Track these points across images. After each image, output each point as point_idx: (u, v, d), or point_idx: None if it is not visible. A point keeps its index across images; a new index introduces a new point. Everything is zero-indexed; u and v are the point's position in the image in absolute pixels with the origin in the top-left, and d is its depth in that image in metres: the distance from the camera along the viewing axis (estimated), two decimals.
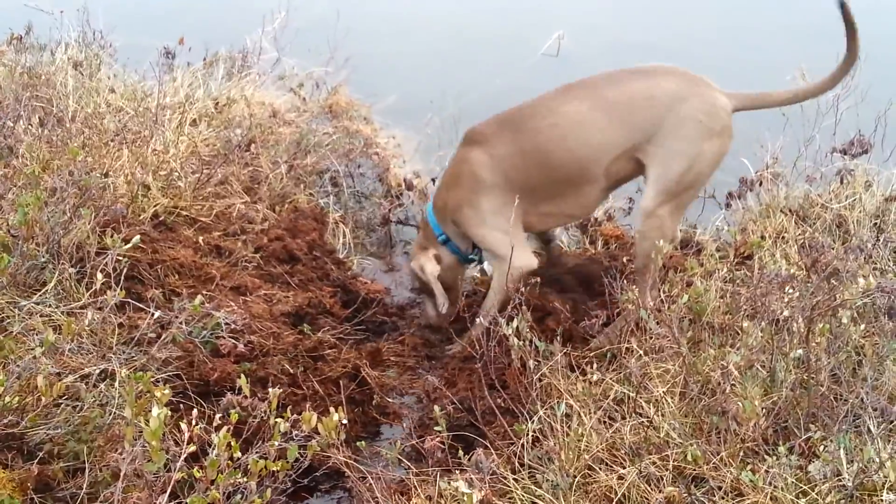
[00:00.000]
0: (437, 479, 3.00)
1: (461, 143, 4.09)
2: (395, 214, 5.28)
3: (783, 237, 4.47)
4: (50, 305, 3.32)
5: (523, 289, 3.72)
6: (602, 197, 4.06)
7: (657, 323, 3.51)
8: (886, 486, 2.54)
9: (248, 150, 5.17)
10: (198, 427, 2.52)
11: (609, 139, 3.80)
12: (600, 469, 2.96)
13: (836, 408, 2.92)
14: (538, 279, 4.43)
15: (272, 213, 4.75)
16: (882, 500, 2.49)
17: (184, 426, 2.43)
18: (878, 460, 2.60)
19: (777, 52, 6.49)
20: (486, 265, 4.48)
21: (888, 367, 3.07)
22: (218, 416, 2.64)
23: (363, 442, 3.28)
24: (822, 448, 2.74)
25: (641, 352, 3.45)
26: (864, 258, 3.86)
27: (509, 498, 2.92)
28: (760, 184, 4.94)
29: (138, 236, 3.47)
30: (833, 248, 4.03)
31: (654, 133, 3.76)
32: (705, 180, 3.90)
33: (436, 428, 3.13)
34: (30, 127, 4.28)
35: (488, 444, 3.24)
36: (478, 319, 3.71)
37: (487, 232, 3.97)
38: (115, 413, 2.91)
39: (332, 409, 2.78)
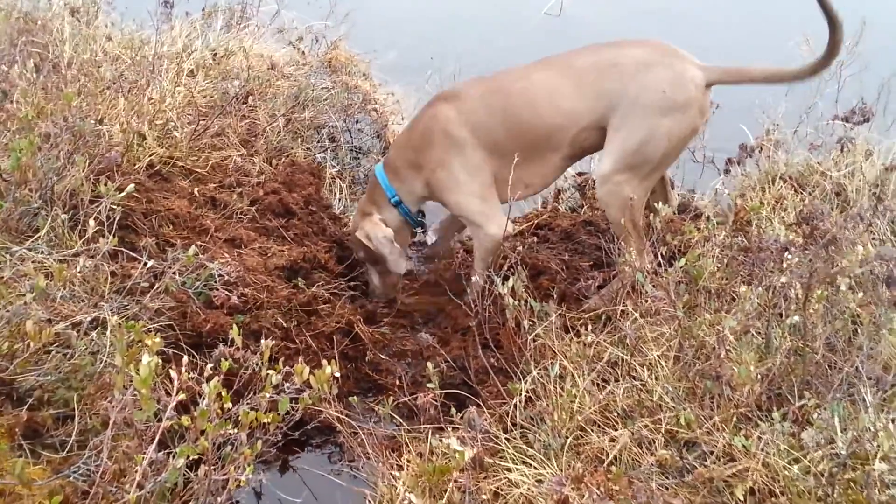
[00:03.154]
0: (429, 436, 2.99)
1: (428, 102, 4.00)
2: None
3: (782, 204, 4.42)
4: (42, 252, 3.28)
5: (520, 248, 3.70)
6: (562, 167, 3.97)
7: (653, 286, 3.48)
8: (879, 455, 2.52)
9: (245, 103, 5.10)
10: (188, 376, 2.48)
11: (577, 107, 3.75)
12: (592, 431, 2.95)
13: (831, 376, 2.89)
14: (534, 238, 4.41)
15: (268, 167, 4.69)
16: (875, 469, 2.46)
17: (174, 374, 2.40)
18: (871, 429, 2.57)
19: (785, 19, 6.39)
20: (429, 235, 4.37)
21: (884, 336, 3.04)
22: (209, 366, 2.61)
23: (355, 397, 3.25)
24: (815, 416, 2.71)
25: (637, 314, 3.42)
26: (863, 227, 3.82)
27: (501, 457, 2.91)
28: (760, 150, 4.88)
29: (133, 185, 3.42)
30: (832, 216, 3.99)
31: (618, 102, 3.68)
32: (670, 156, 3.79)
33: (428, 385, 3.11)
34: (25, 72, 4.20)
35: (481, 403, 3.23)
36: (473, 278, 3.67)
37: (462, 198, 3.88)
38: (105, 361, 2.87)
39: (324, 363, 2.75)
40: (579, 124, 3.77)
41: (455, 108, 3.84)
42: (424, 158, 3.90)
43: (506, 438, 2.97)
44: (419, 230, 4.26)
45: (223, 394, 2.48)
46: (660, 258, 3.39)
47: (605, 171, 3.72)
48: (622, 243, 3.81)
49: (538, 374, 3.14)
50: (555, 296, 3.72)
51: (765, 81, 3.79)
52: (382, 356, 3.66)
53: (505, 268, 3.70)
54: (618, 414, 3.00)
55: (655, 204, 3.95)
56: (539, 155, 3.84)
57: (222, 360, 2.69)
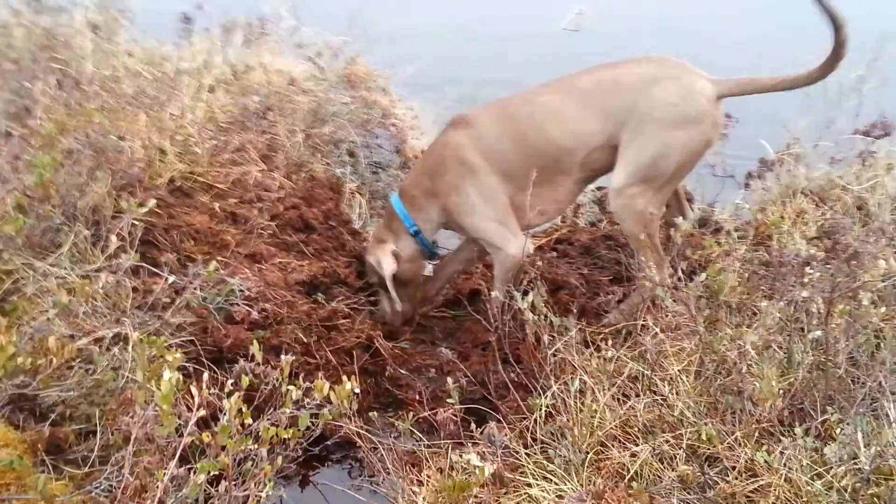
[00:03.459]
0: (449, 451, 2.99)
1: (443, 129, 4.02)
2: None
3: (803, 218, 4.40)
4: (65, 268, 3.30)
5: (539, 263, 3.70)
6: (577, 191, 3.98)
7: (674, 301, 3.47)
8: None
9: (265, 118, 5.12)
10: (208, 392, 2.49)
11: (584, 129, 3.75)
12: (613, 446, 2.94)
13: (854, 390, 2.88)
14: (554, 253, 4.41)
15: (288, 182, 4.70)
16: None
17: (194, 390, 2.41)
18: (895, 444, 2.55)
19: (802, 30, 6.37)
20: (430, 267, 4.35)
21: None
22: (230, 382, 2.62)
23: (375, 413, 3.25)
24: (838, 431, 2.69)
25: (657, 329, 3.41)
26: (886, 241, 3.79)
27: (521, 472, 2.90)
28: (780, 164, 4.86)
29: (154, 201, 3.44)
30: (853, 231, 3.97)
31: (627, 119, 3.68)
32: (684, 169, 3.77)
33: (448, 400, 3.11)
34: (47, 88, 4.24)
35: (501, 418, 3.22)
36: (493, 293, 3.67)
37: (480, 221, 3.89)
38: (127, 377, 2.89)
39: (344, 378, 2.75)
40: (589, 145, 3.77)
41: (467, 135, 3.85)
42: (439, 185, 3.91)
43: (526, 454, 2.96)
44: (432, 261, 4.24)
45: (243, 409, 2.49)
46: (680, 273, 3.38)
47: (619, 185, 3.72)
48: (642, 258, 3.80)
49: (558, 389, 3.13)
50: (574, 310, 3.73)
51: (775, 89, 3.77)
52: (402, 371, 3.66)
53: (524, 283, 3.70)
54: (638, 429, 2.98)
55: (675, 219, 3.95)
56: (551, 179, 3.83)
57: (242, 375, 2.71)
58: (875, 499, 2.51)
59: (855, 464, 2.60)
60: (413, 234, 4.01)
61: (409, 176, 4.18)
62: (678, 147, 3.65)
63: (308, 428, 2.67)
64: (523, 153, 3.80)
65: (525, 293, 3.28)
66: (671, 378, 3.17)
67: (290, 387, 2.68)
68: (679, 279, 3.37)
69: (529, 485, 2.84)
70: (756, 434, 2.82)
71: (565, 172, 3.84)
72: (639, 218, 3.68)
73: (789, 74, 3.73)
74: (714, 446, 2.80)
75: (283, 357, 2.80)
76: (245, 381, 2.65)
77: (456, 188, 3.87)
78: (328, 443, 3.15)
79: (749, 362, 3.02)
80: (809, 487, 2.60)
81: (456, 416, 3.12)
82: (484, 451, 2.92)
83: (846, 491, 2.55)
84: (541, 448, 3.00)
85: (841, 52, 3.56)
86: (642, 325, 3.51)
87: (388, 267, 3.93)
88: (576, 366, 3.27)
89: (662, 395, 3.10)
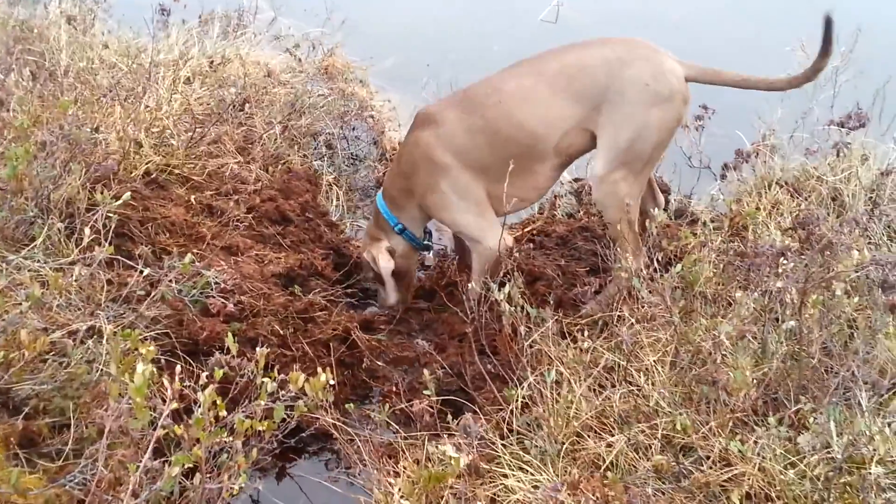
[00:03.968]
0: (426, 442, 2.99)
1: (410, 127, 4.01)
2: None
3: (778, 210, 4.43)
4: (38, 261, 3.27)
5: (516, 254, 3.71)
6: (554, 176, 3.96)
7: (649, 292, 3.48)
8: (875, 459, 2.52)
9: (241, 110, 5.10)
10: (182, 384, 2.48)
11: (556, 113, 3.73)
12: (589, 436, 2.95)
13: (827, 380, 2.90)
14: (531, 244, 4.41)
15: (265, 174, 4.69)
16: (871, 473, 2.46)
17: (167, 382, 2.39)
18: (867, 433, 2.57)
19: (780, 26, 6.41)
20: (429, 255, 4.36)
21: (880, 341, 3.05)
22: (204, 374, 2.61)
23: (352, 404, 3.25)
24: (811, 420, 2.71)
25: (633, 320, 3.43)
26: (859, 232, 3.82)
27: (497, 463, 2.91)
28: (756, 155, 4.89)
29: (129, 193, 3.40)
30: (828, 221, 4.00)
31: (600, 102, 3.68)
32: (660, 148, 3.79)
33: (425, 392, 3.11)
34: (21, 80, 4.21)
35: (477, 409, 3.22)
36: (470, 285, 3.67)
37: (457, 216, 3.89)
38: (102, 370, 2.87)
39: (319, 370, 2.75)
40: (561, 130, 3.75)
41: (434, 134, 3.83)
42: (414, 185, 3.92)
43: (502, 444, 2.97)
44: (426, 253, 4.25)
45: (218, 402, 2.48)
46: (656, 264, 3.39)
47: (601, 172, 3.72)
48: (618, 248, 3.81)
49: (535, 380, 3.13)
50: (551, 302, 3.73)
51: (737, 86, 3.82)
52: (379, 363, 3.66)
53: (501, 274, 3.70)
54: (614, 419, 3.00)
55: (651, 209, 3.97)
56: (527, 167, 3.81)
57: (217, 367, 2.70)
58: (848, 487, 2.54)
59: (828, 453, 2.62)
60: (399, 231, 4.03)
61: (387, 176, 4.20)
62: (654, 126, 3.67)
63: (283, 420, 2.66)
64: (495, 145, 3.77)
65: (502, 284, 3.28)
66: (647, 368, 3.19)
67: (266, 379, 2.67)
68: (655, 270, 3.38)
69: (505, 475, 2.85)
70: (730, 424, 2.84)
71: (541, 159, 3.82)
72: (621, 205, 3.68)
73: (753, 76, 3.79)
74: (689, 436, 2.82)
75: (257, 349, 2.78)
76: (219, 373, 2.64)
77: (430, 187, 3.87)
78: (304, 435, 3.14)
79: (723, 352, 3.04)
80: (783, 476, 2.63)
81: (432, 407, 3.12)
82: (460, 442, 2.93)
83: (819, 480, 2.57)
84: (517, 439, 3.01)
85: (818, 72, 3.71)
86: (618, 317, 3.53)
87: (384, 264, 3.99)
88: (552, 357, 3.28)
89: (638, 386, 3.12)
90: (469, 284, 3.71)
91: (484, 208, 3.86)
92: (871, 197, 4.34)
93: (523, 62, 3.87)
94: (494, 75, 3.89)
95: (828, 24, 3.52)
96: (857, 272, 3.25)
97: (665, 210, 4.23)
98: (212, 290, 3.46)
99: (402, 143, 4.10)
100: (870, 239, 3.97)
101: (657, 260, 3.40)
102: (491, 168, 3.79)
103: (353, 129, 5.50)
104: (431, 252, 4.28)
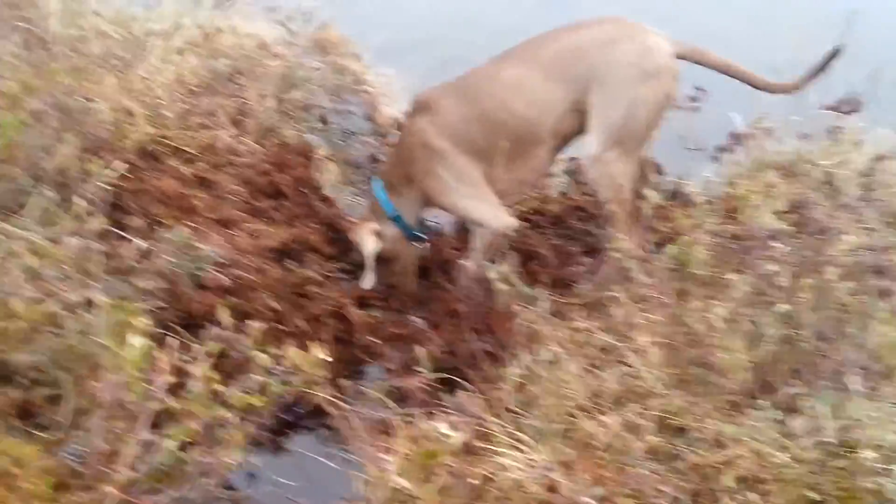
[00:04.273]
0: (420, 420, 2.99)
1: (408, 114, 4.04)
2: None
3: (772, 193, 4.43)
4: (31, 230, 3.25)
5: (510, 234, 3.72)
6: (552, 158, 4.01)
7: (644, 273, 3.48)
8: (867, 443, 2.55)
9: (235, 82, 5.05)
10: (177, 358, 2.48)
11: (550, 98, 3.78)
12: (583, 416, 2.96)
13: (820, 364, 2.91)
14: (525, 223, 4.41)
15: (259, 147, 4.66)
16: (863, 457, 2.49)
17: (158, 355, 2.39)
18: (860, 418, 2.60)
19: (778, 19, 6.40)
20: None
21: (873, 325, 3.06)
22: (203, 349, 2.60)
23: (346, 381, 3.24)
24: (804, 404, 2.73)
25: (627, 300, 3.43)
26: (852, 216, 3.84)
27: (492, 441, 2.91)
28: (751, 138, 4.89)
29: (124, 164, 3.39)
30: (821, 206, 4.00)
31: (591, 83, 3.74)
32: (652, 126, 3.84)
33: (418, 369, 3.11)
34: (12, 48, 4.16)
35: (472, 388, 3.22)
36: (467, 263, 3.68)
37: (457, 199, 3.91)
38: (97, 342, 2.85)
39: (312, 346, 2.75)
40: (555, 113, 3.79)
41: (430, 122, 3.85)
42: (413, 172, 3.93)
43: (497, 423, 2.97)
44: (419, 244, 4.23)
45: (213, 376, 2.48)
46: (650, 245, 3.40)
47: (595, 152, 3.76)
48: (612, 227, 3.83)
49: (529, 359, 3.14)
50: (546, 281, 3.73)
51: (720, 71, 3.95)
52: (373, 339, 3.65)
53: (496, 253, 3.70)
54: (609, 400, 3.01)
55: (645, 190, 3.97)
56: (524, 151, 3.85)
57: (211, 342, 2.69)
58: (840, 471, 2.56)
59: (821, 436, 2.64)
60: (393, 219, 4.03)
61: (386, 162, 4.23)
62: (644, 103, 3.72)
63: (279, 395, 2.66)
64: (490, 131, 3.81)
65: (496, 263, 3.28)
66: (641, 349, 3.20)
67: (261, 353, 2.67)
68: (649, 251, 3.39)
69: (500, 453, 2.86)
70: (724, 406, 2.86)
71: (537, 143, 3.86)
72: (615, 185, 3.71)
73: (738, 65, 3.95)
74: (682, 417, 2.83)
75: (251, 323, 2.78)
76: (215, 347, 2.64)
77: (429, 173, 3.88)
78: (299, 410, 3.15)
79: (717, 335, 3.05)
80: (776, 459, 2.64)
81: (427, 385, 3.12)
82: (454, 420, 2.93)
83: (812, 463, 2.59)
84: (512, 418, 3.01)
85: (802, 87, 3.96)
86: (612, 297, 3.53)
87: (369, 246, 3.96)
88: (546, 336, 3.28)
89: (632, 367, 3.13)
90: (463, 262, 3.71)
91: (483, 191, 3.87)
92: (865, 181, 4.35)
93: (518, 48, 3.92)
94: (490, 63, 3.94)
95: (831, 56, 3.58)
96: (850, 256, 3.26)
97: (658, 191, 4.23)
98: (207, 263, 3.44)
99: (401, 131, 4.13)
100: (863, 223, 3.98)
101: (651, 242, 3.41)
102: (488, 153, 3.81)
103: (348, 103, 5.47)
104: (424, 243, 4.26)
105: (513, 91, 3.80)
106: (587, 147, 3.80)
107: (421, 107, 3.92)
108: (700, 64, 3.91)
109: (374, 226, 4.02)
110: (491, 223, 3.84)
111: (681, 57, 3.82)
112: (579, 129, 3.86)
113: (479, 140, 3.82)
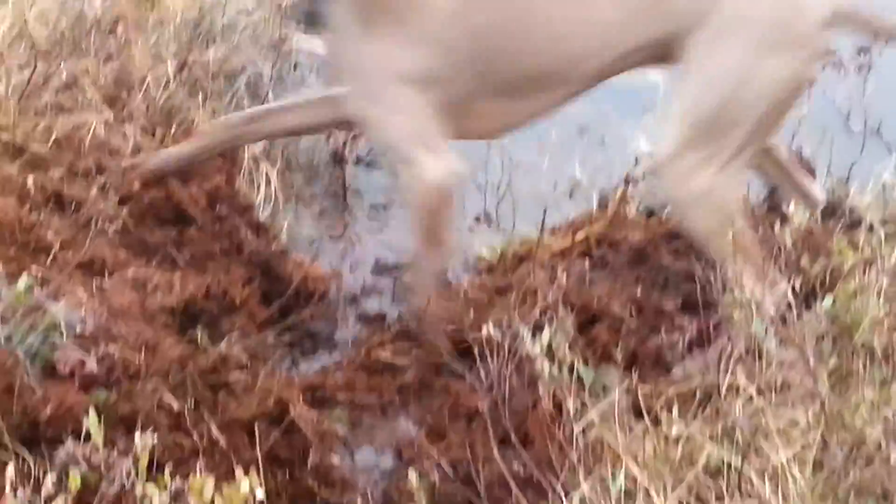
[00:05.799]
0: None
1: None
2: (353, 149, 5.23)
3: None
4: None
5: (563, 280, 3.72)
6: (563, 104, 4.12)
7: (781, 343, 3.49)
8: None
9: (112, 34, 5.11)
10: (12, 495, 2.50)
11: (614, 23, 3.84)
12: None
13: None
14: (586, 261, 4.42)
15: (149, 141, 4.70)
16: None
17: None
18: None
19: None
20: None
21: None
22: (51, 477, 2.62)
23: None
24: None
25: (753, 390, 3.43)
26: None
27: None
28: None
29: None
30: None
31: (690, 25, 3.75)
32: (770, 122, 3.86)
33: None
34: None
35: None
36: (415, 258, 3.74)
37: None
38: None
39: (239, 472, 2.76)
40: (614, 50, 3.87)
41: None
42: None
43: None
44: None
45: None
46: (791, 296, 3.40)
47: (670, 149, 3.81)
48: (728, 269, 3.83)
49: (591, 488, 3.15)
50: (619, 358, 3.73)
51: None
52: (335, 458, 3.66)
53: (537, 311, 3.71)
54: None
55: (785, 205, 3.98)
56: (535, 89, 3.99)
57: (71, 466, 2.70)
58: None
59: None
60: None
61: None
62: (766, 83, 3.73)
63: None
64: (509, 54, 3.92)
65: (538, 329, 3.29)
66: (776, 471, 3.20)
67: (152, 485, 2.68)
68: (790, 307, 3.40)
69: None
70: None
71: (563, 84, 3.98)
72: (709, 205, 3.71)
73: None
74: None
75: (137, 435, 2.79)
76: (75, 478, 2.65)
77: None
78: None
79: None
80: None
81: None
82: None
83: None
84: None
85: None
86: (730, 384, 3.53)
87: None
88: (619, 451, 3.28)
89: (763, 500, 3.13)
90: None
91: (427, 123, 3.94)
92: None
93: None
94: None
95: None
96: None
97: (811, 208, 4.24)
98: (61, 335, 3.47)
99: None
100: None
101: (794, 290, 3.41)
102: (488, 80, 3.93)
103: (295, 66, 5.52)
104: None
105: (564, 9, 3.87)
106: (657, 140, 3.83)
107: None
108: (867, 33, 4.08)
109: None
110: (425, 173, 3.91)
111: (841, 24, 3.85)
112: (633, 68, 3.99)
113: (487, 58, 3.90)
